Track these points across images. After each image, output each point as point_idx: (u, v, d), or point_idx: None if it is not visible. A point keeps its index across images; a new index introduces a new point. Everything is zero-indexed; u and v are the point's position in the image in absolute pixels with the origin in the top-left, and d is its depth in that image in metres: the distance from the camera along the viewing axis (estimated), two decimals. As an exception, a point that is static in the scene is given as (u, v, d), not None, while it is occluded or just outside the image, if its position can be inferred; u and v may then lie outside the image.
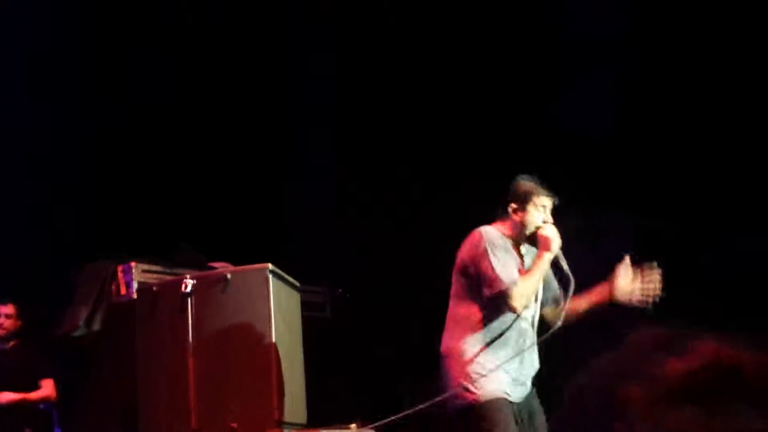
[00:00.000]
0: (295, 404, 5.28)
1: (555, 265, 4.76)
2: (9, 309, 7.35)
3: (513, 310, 4.61)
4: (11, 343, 7.39)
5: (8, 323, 7.33)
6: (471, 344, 4.64)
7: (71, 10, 8.03)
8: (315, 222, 8.02)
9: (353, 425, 5.34)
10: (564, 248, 4.74)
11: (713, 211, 6.79)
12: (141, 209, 8.09)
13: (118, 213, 8.05)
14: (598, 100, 7.15)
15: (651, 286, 4.77)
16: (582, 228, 4.86)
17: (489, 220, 4.86)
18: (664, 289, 4.74)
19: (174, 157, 8.35)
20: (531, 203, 4.77)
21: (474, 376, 4.59)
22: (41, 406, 7.17)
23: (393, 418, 4.76)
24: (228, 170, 8.41)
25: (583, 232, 4.85)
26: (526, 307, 4.69)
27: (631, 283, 4.78)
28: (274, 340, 5.03)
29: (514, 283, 4.58)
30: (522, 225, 4.78)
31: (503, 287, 4.57)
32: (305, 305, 5.82)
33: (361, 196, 8.04)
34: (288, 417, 5.07)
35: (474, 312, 4.68)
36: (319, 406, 5.62)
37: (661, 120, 7.19)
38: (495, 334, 4.66)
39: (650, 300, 4.75)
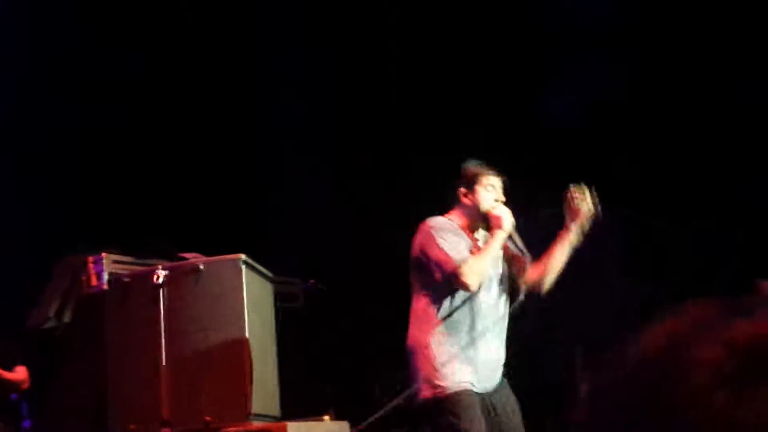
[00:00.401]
0: (268, 396, 5.25)
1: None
2: None
3: (466, 287, 4.54)
4: None
5: None
6: (431, 336, 4.60)
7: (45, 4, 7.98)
8: (288, 213, 7.99)
9: (326, 417, 5.32)
10: (542, 237, 4.74)
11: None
12: (112, 200, 8.04)
13: (89, 205, 8.00)
14: (576, 88, 7.17)
15: (590, 200, 4.72)
16: (559, 216, 4.84)
17: (441, 212, 4.83)
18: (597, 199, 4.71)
19: (145, 147, 8.29)
20: (479, 184, 4.75)
21: (436, 367, 4.55)
22: (12, 396, 7.10)
23: (370, 419, 4.73)
24: (200, 160, 8.36)
25: (560, 220, 4.82)
26: (482, 287, 4.62)
27: (579, 204, 4.72)
28: (247, 331, 5.00)
29: (465, 261, 4.54)
30: (473, 207, 4.74)
31: (453, 266, 4.52)
32: (279, 296, 5.78)
33: (335, 187, 8.02)
34: (261, 409, 5.05)
35: (430, 303, 4.65)
36: (292, 398, 5.59)
37: (638, 105, 7.22)
38: (453, 325, 4.62)
39: (597, 211, 4.71)
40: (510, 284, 4.84)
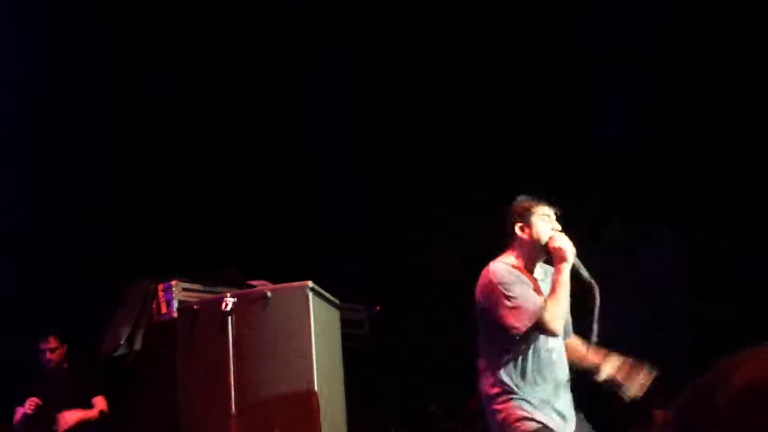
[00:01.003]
0: (335, 421, 5.29)
1: (575, 276, 4.52)
2: (51, 343, 7.52)
3: (552, 333, 4.42)
4: (63, 367, 7.53)
5: (53, 356, 7.50)
6: (504, 387, 4.49)
7: (98, 19, 8.14)
8: (352, 240, 8.06)
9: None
10: (605, 262, 4.63)
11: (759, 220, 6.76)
12: (181, 230, 8.18)
13: (159, 232, 8.15)
14: (633, 111, 7.16)
15: (638, 384, 4.61)
16: (624, 241, 4.79)
17: (498, 252, 4.68)
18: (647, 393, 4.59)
19: (212, 178, 8.43)
20: (534, 215, 4.60)
21: (512, 414, 4.46)
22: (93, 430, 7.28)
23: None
24: (266, 190, 8.47)
25: (625, 245, 4.77)
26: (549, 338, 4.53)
27: (617, 370, 4.63)
28: (314, 357, 5.05)
29: (542, 308, 4.40)
30: (532, 241, 4.58)
31: (533, 317, 4.38)
32: (344, 323, 5.83)
33: (399, 216, 8.07)
34: (328, 433, 5.09)
35: (501, 352, 4.51)
36: (358, 424, 5.62)
37: (700, 129, 7.17)
38: (527, 370, 4.51)
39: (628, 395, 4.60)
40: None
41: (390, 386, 7.39)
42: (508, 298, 4.42)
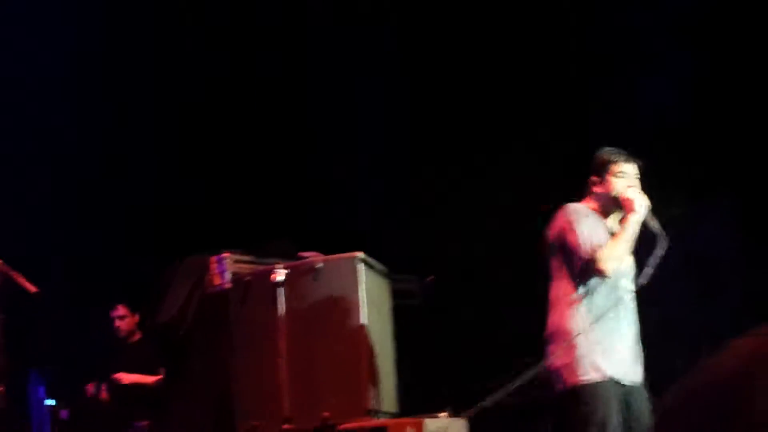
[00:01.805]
0: (386, 393, 5.30)
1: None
2: (120, 311, 7.60)
3: (602, 273, 4.51)
4: (134, 338, 7.63)
5: (123, 324, 7.61)
6: (573, 323, 4.55)
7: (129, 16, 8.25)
8: (403, 210, 8.05)
9: (444, 413, 5.33)
10: (665, 235, 4.60)
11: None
12: (233, 202, 8.25)
13: (211, 206, 8.23)
14: (684, 83, 7.06)
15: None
16: (685, 215, 4.74)
17: (574, 200, 4.78)
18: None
19: (263, 151, 8.49)
20: (610, 172, 4.69)
21: (577, 357, 4.50)
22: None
23: (485, 403, 4.72)
24: (317, 164, 8.50)
25: (686, 218, 4.72)
26: (621, 274, 4.60)
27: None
28: (365, 328, 5.06)
29: (601, 246, 4.52)
30: (605, 195, 4.69)
31: (590, 251, 4.51)
32: (395, 293, 5.83)
33: (447, 184, 8.04)
34: (379, 406, 5.10)
35: (569, 290, 4.60)
36: (411, 395, 5.63)
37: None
38: (595, 311, 4.56)
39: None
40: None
41: (445, 360, 7.38)
42: (577, 228, 4.58)
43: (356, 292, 5.11)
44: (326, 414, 4.95)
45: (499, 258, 7.23)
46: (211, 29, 8.46)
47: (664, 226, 4.59)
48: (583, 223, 4.60)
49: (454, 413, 5.39)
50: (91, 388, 7.46)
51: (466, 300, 7.63)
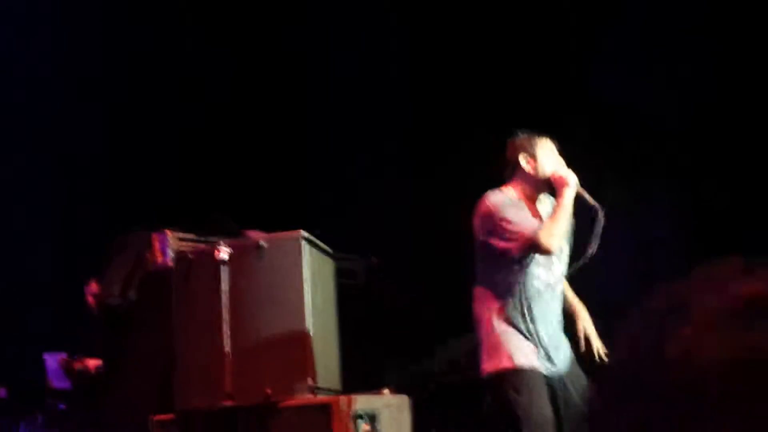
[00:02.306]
0: (329, 371, 5.33)
1: (578, 202, 4.62)
2: (92, 287, 7.45)
3: (546, 251, 4.48)
4: None
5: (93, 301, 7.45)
6: (495, 313, 4.60)
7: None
8: (346, 190, 8.06)
9: (386, 391, 5.38)
10: (604, 221, 4.63)
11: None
12: (173, 179, 8.20)
13: (152, 184, 8.17)
14: (637, 68, 7.12)
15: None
16: (622, 199, 4.80)
17: (496, 185, 4.77)
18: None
19: (205, 126, 8.44)
20: (539, 148, 4.68)
21: (501, 343, 4.56)
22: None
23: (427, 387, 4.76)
24: (259, 138, 8.47)
25: (624, 203, 4.78)
26: (542, 264, 4.63)
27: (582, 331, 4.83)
28: (308, 307, 5.08)
29: (539, 227, 4.52)
30: (536, 174, 4.67)
31: (527, 236, 4.48)
32: (339, 273, 5.85)
33: (392, 165, 8.07)
34: (322, 383, 5.12)
35: (494, 281, 4.64)
36: (353, 373, 5.66)
37: (704, 86, 7.13)
38: (522, 297, 4.60)
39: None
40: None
41: (385, 338, 7.43)
42: (502, 221, 4.52)
43: (300, 270, 5.12)
44: (268, 391, 4.96)
45: (444, 240, 7.27)
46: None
47: (600, 202, 4.63)
48: (508, 213, 4.55)
49: (396, 391, 5.44)
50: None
51: (409, 280, 7.67)
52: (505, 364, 4.54)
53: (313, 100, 8.51)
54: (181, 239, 5.83)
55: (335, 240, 5.80)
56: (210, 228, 5.99)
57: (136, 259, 6.03)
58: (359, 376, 5.71)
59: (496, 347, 4.56)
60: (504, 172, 4.78)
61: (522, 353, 4.55)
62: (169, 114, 8.41)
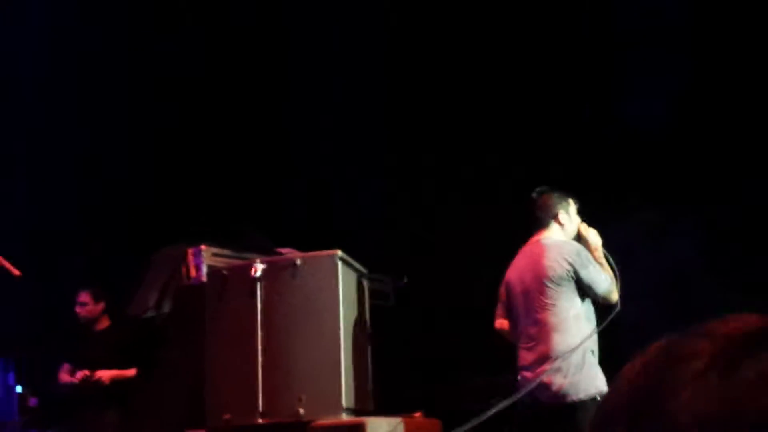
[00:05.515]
0: (361, 391, 5.31)
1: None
2: (82, 297, 7.48)
3: (616, 303, 4.90)
4: (101, 326, 7.50)
5: (83, 311, 7.45)
6: (571, 345, 4.79)
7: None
8: (379, 212, 8.06)
9: (418, 414, 5.36)
10: (633, 244, 4.95)
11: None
12: (210, 195, 8.24)
13: (188, 199, 8.21)
14: (657, 93, 7.11)
15: None
16: (651, 223, 4.88)
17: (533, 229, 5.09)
18: None
19: (239, 146, 8.49)
20: (571, 205, 5.10)
21: (596, 372, 4.80)
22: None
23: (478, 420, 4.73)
24: (295, 160, 8.50)
25: (652, 227, 4.87)
26: None
27: None
28: (341, 326, 5.07)
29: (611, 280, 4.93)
30: (571, 229, 5.08)
31: (609, 285, 4.90)
32: (370, 294, 5.83)
33: (426, 187, 8.07)
34: (354, 404, 5.11)
35: (579, 314, 4.88)
36: (386, 395, 5.64)
37: (726, 109, 7.11)
38: (589, 330, 4.88)
39: None
40: None
41: (417, 360, 7.40)
42: (593, 263, 4.94)
43: (334, 289, 5.12)
44: (300, 410, 4.96)
45: (477, 265, 7.25)
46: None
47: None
48: (592, 259, 4.95)
49: (428, 414, 5.42)
50: (65, 376, 7.35)
51: (440, 302, 7.65)
52: (597, 393, 4.71)
53: (342, 126, 8.53)
54: (216, 255, 5.84)
55: (366, 261, 5.79)
56: (245, 244, 6.00)
57: (171, 273, 6.05)
58: (392, 398, 5.69)
59: (592, 376, 4.81)
60: (537, 220, 5.10)
61: (594, 381, 4.82)
62: (208, 130, 8.49)
